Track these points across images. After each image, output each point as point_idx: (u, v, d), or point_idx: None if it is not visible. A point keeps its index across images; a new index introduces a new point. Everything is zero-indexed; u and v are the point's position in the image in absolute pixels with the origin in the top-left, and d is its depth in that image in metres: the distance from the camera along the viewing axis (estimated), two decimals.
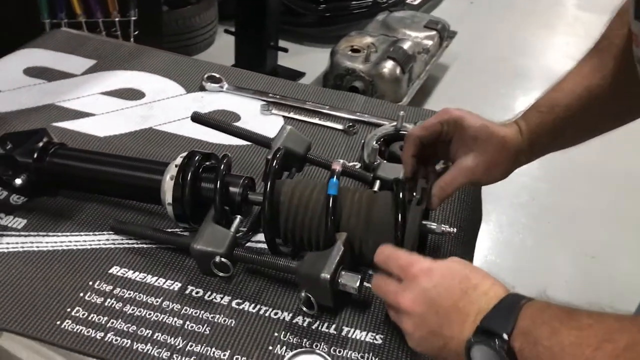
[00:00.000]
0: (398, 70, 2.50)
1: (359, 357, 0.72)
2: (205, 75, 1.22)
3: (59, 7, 1.82)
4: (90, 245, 0.84)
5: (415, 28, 2.83)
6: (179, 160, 0.82)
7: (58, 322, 0.73)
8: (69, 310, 0.74)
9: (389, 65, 2.50)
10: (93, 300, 0.76)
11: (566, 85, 0.80)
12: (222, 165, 0.81)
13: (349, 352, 0.72)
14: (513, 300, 0.59)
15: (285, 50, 2.81)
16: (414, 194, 0.76)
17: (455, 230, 0.77)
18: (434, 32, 2.83)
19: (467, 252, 0.94)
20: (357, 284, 0.72)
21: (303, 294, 0.74)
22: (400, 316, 0.66)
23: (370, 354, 0.72)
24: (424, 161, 0.82)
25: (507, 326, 0.56)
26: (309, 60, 3.04)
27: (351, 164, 1.04)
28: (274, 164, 0.80)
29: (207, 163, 0.84)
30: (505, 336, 0.56)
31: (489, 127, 0.78)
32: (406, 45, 2.61)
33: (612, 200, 2.42)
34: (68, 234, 0.85)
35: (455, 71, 3.16)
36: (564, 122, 0.79)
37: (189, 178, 0.80)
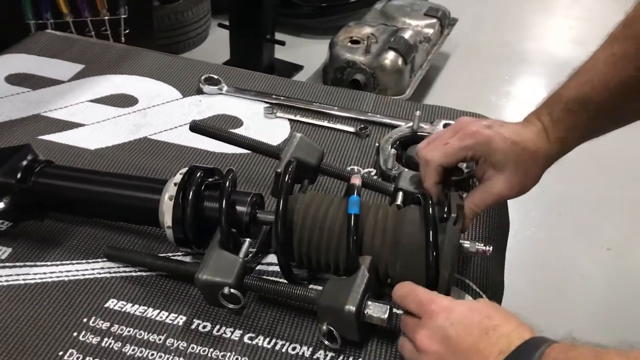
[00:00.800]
0: (400, 61, 2.40)
1: None
2: (203, 77, 1.13)
3: (44, 7, 1.72)
4: (84, 275, 0.75)
5: (415, 16, 2.73)
6: (178, 178, 0.73)
7: None
8: (61, 353, 0.66)
9: (390, 57, 2.40)
10: (88, 341, 0.67)
11: (596, 77, 0.72)
12: (227, 182, 0.72)
13: None
14: (536, 343, 0.55)
15: (282, 43, 2.71)
16: (446, 209, 0.68)
17: (491, 248, 0.68)
18: (434, 20, 2.73)
19: (498, 263, 0.86)
20: (386, 315, 0.63)
21: (324, 327, 0.65)
22: (418, 355, 0.61)
23: None
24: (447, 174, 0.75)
25: None
26: (306, 53, 2.94)
27: (366, 170, 0.95)
28: (286, 180, 0.71)
29: (210, 179, 0.76)
30: None
31: (518, 143, 0.71)
32: (407, 35, 2.51)
33: (624, 189, 2.33)
34: (58, 263, 0.76)
35: (457, 59, 3.07)
36: (597, 120, 0.72)
37: (190, 198, 0.72)
